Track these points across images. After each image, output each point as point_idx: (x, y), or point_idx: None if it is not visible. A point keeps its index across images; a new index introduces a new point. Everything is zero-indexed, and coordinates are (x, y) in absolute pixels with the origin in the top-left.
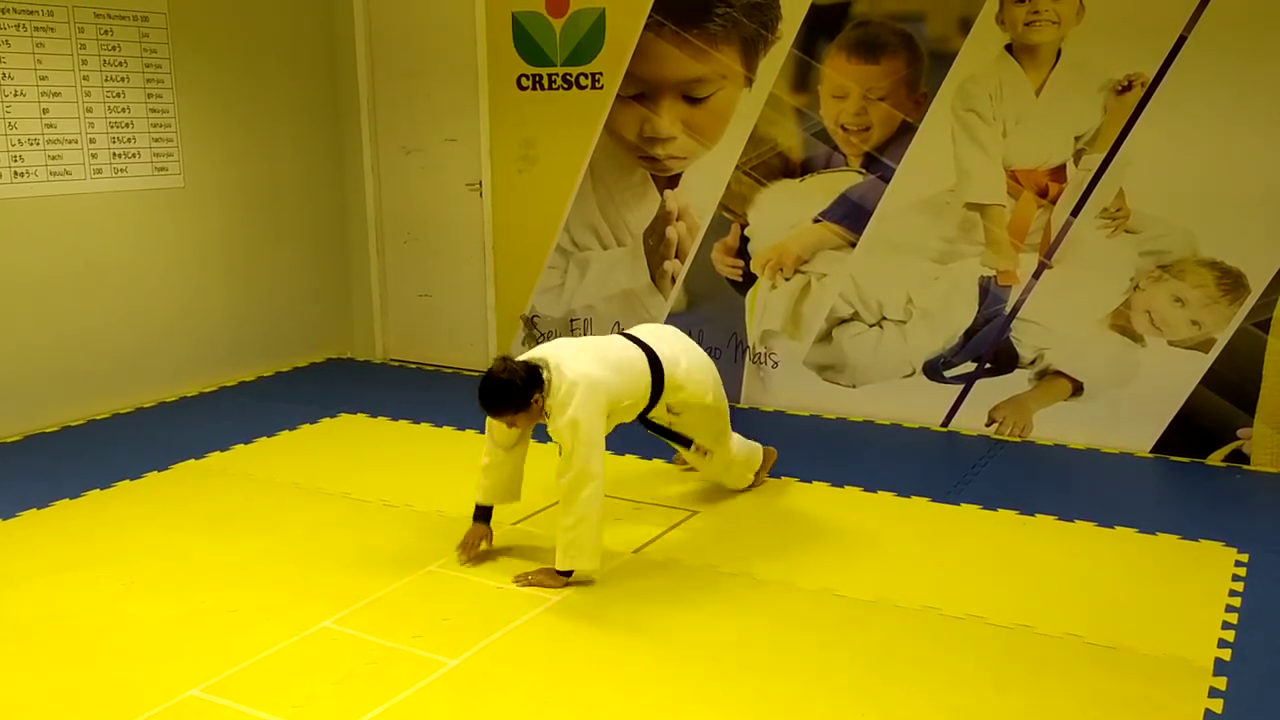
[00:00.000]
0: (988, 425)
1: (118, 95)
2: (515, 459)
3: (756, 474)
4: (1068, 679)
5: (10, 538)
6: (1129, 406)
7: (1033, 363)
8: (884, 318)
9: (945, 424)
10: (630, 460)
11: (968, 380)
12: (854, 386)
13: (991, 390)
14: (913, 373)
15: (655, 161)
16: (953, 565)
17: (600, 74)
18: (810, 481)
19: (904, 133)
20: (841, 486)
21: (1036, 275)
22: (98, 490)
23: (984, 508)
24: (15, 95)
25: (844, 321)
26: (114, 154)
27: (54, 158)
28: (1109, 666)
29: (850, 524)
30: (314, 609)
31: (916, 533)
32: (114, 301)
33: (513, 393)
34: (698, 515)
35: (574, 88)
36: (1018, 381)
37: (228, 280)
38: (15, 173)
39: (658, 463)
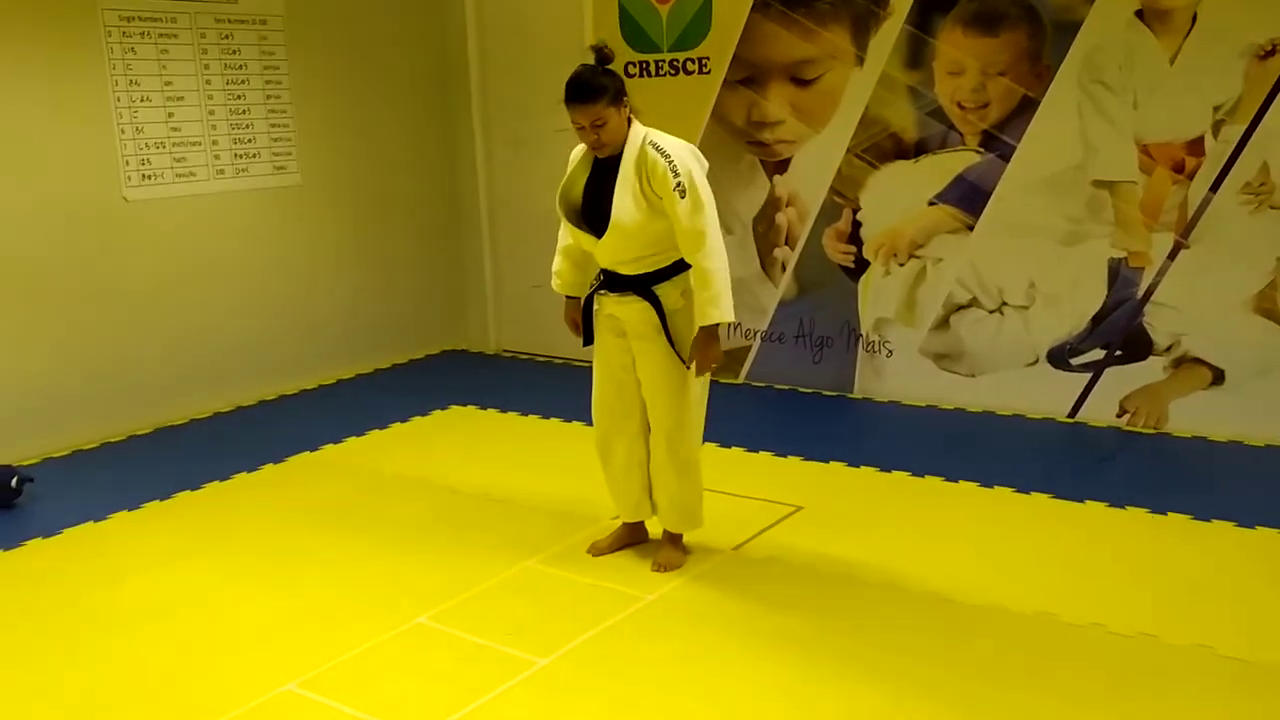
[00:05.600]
0: (1119, 416)
1: (238, 97)
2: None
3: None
4: (1196, 695)
5: (130, 529)
6: (1275, 396)
7: (1168, 349)
8: (1004, 303)
9: (1072, 415)
10: (736, 453)
11: (1096, 369)
12: (973, 376)
13: (1123, 379)
14: (1036, 361)
15: (764, 146)
16: (1073, 567)
17: (707, 59)
18: (923, 475)
19: (1025, 108)
20: (955, 481)
21: (1172, 256)
22: (217, 482)
23: (1111, 505)
24: (142, 100)
25: (962, 308)
26: (235, 154)
27: (179, 160)
28: (1244, 681)
29: (962, 522)
30: (411, 604)
31: (1034, 532)
32: (235, 298)
33: (607, 79)
34: (801, 511)
35: (681, 73)
36: (1151, 370)
37: (344, 275)
38: (144, 175)
39: (764, 454)
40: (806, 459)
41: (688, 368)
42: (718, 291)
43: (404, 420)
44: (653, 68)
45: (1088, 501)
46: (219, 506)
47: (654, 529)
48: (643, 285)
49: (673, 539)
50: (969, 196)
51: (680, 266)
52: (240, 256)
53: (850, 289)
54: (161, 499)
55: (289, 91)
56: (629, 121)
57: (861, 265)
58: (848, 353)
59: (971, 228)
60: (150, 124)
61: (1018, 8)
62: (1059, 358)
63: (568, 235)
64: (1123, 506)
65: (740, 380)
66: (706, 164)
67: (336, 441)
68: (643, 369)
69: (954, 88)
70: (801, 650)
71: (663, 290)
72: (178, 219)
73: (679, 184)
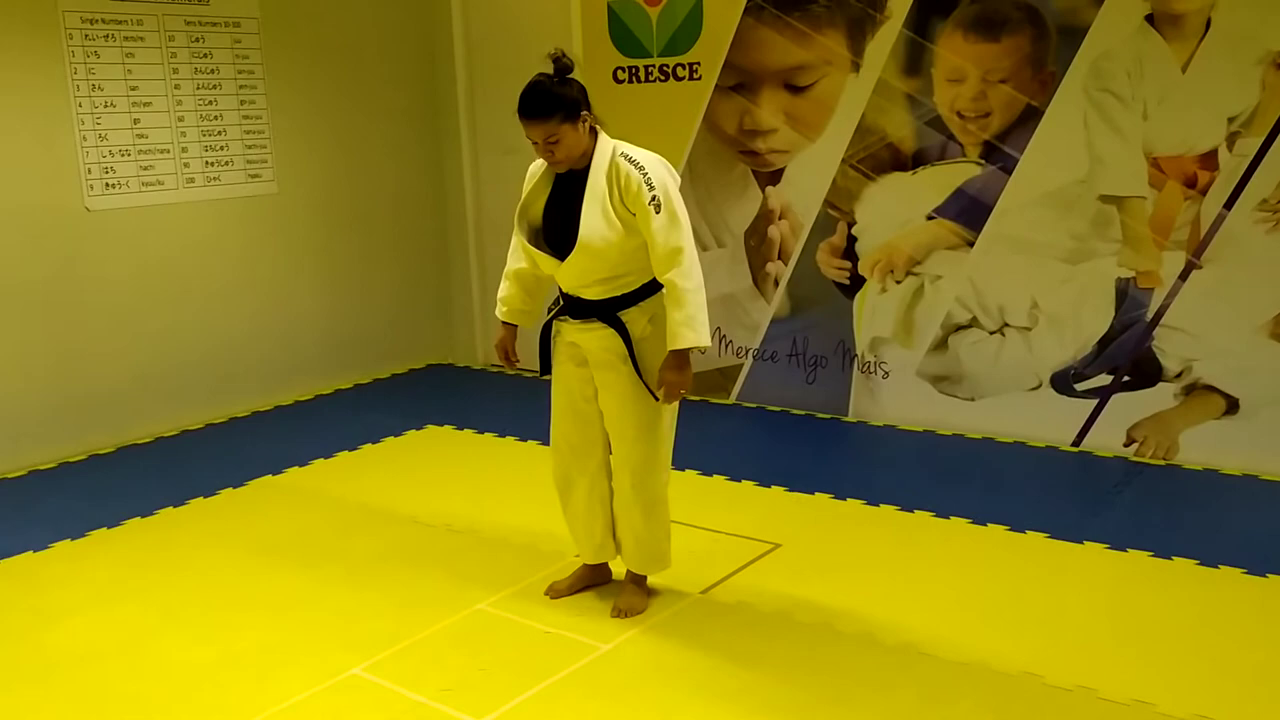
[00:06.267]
0: (1126, 445)
1: (210, 103)
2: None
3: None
4: None
5: (70, 562)
6: None
7: (1179, 375)
8: (1006, 324)
9: (1076, 443)
10: (717, 481)
11: (1103, 394)
12: (972, 400)
13: (1131, 406)
14: (1039, 385)
15: (756, 156)
16: (1064, 620)
17: (698, 64)
18: (912, 510)
19: (1028, 118)
20: (947, 517)
21: (1183, 276)
22: (170, 508)
23: (1111, 547)
24: (106, 106)
25: (961, 328)
26: (206, 162)
27: (145, 168)
28: None
29: (950, 564)
30: (348, 654)
31: (1026, 577)
32: (208, 310)
33: (564, 91)
34: (779, 550)
35: (671, 79)
36: (1161, 396)
37: (324, 287)
38: (107, 184)
39: (747, 484)
40: (791, 489)
41: (656, 399)
42: (692, 313)
43: (376, 441)
44: (642, 73)
45: (1086, 543)
46: (167, 537)
47: (618, 569)
48: (607, 311)
49: (636, 581)
50: (969, 211)
51: (648, 291)
52: (211, 268)
53: (845, 306)
54: (110, 526)
55: (264, 97)
56: (593, 133)
57: (857, 282)
58: (842, 373)
59: (972, 244)
60: (114, 130)
61: (1021, 11)
62: (1063, 382)
63: (520, 259)
64: (1124, 549)
65: (731, 400)
66: (678, 178)
67: (302, 464)
68: (606, 401)
69: (954, 96)
70: (765, 711)
71: (629, 316)
72: (144, 229)
73: (654, 198)
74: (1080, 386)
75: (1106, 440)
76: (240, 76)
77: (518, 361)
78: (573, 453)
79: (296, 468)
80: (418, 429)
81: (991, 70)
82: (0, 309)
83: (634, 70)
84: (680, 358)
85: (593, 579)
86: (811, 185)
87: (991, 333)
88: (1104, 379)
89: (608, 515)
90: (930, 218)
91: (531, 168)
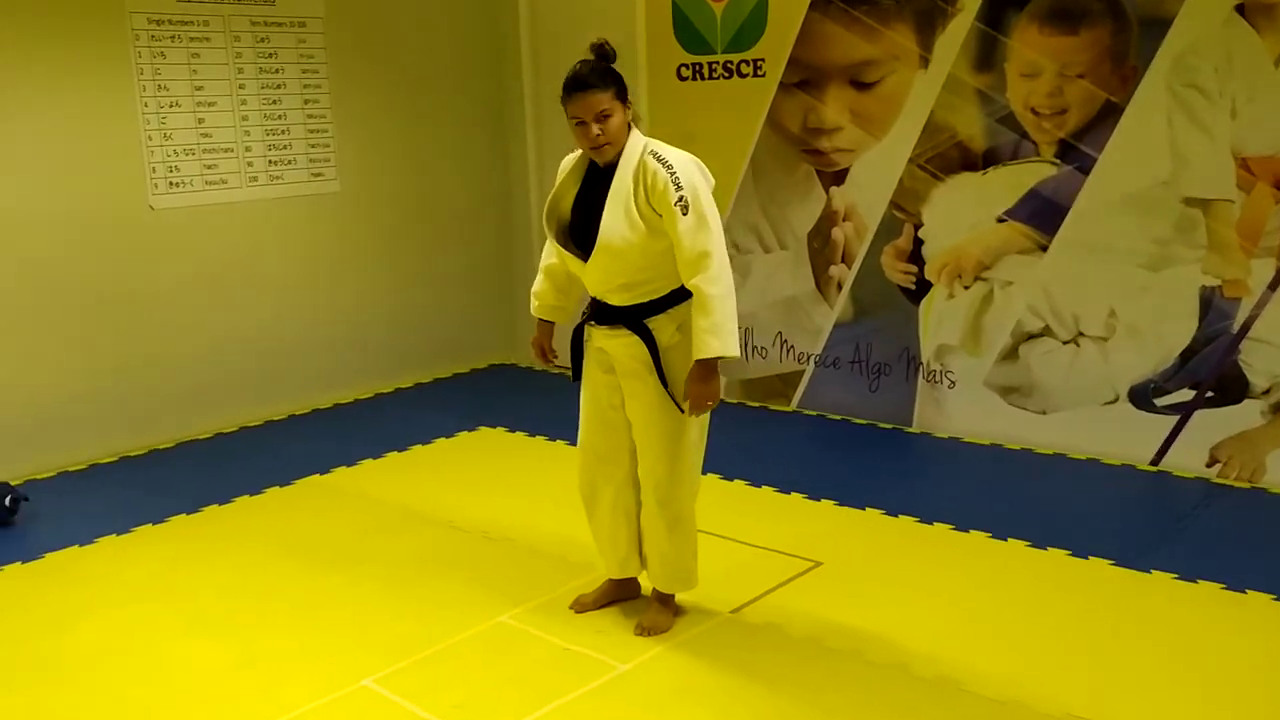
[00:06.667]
0: (1209, 466)
1: (274, 103)
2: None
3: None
4: None
5: (111, 557)
6: None
7: (1266, 392)
8: (1081, 333)
9: (1155, 462)
10: (765, 493)
11: (1184, 411)
12: (1043, 413)
13: (1215, 424)
14: (1115, 399)
15: (820, 155)
16: (1118, 659)
17: (762, 60)
18: (967, 530)
19: (1107, 115)
20: (1004, 539)
21: (1273, 286)
22: (216, 505)
23: (1180, 578)
24: (171, 106)
25: (1033, 337)
26: (270, 161)
27: (209, 167)
28: None
29: (1000, 591)
30: (364, 662)
31: (1082, 608)
32: (270, 308)
33: (614, 72)
34: (819, 569)
35: (735, 76)
36: (1248, 414)
37: (388, 286)
38: (171, 183)
39: (795, 497)
40: (841, 503)
41: (681, 410)
42: (719, 320)
43: (426, 442)
44: (705, 70)
45: (1154, 572)
46: (208, 535)
47: (647, 584)
48: (633, 318)
49: (662, 599)
50: (1043, 213)
51: (676, 298)
52: (274, 266)
53: (910, 312)
54: (155, 522)
55: (328, 96)
56: (628, 128)
57: (923, 287)
58: (907, 382)
59: (1045, 248)
60: (179, 130)
61: (1101, 2)
62: (1142, 397)
63: (551, 254)
64: (1194, 580)
65: (792, 408)
66: (713, 180)
67: (350, 464)
68: (632, 410)
69: (1028, 92)
70: None
71: (656, 324)
72: (207, 228)
73: (681, 198)
74: (1160, 402)
75: (1187, 460)
76: (304, 76)
77: (555, 359)
78: (599, 462)
79: (344, 467)
80: (470, 430)
81: (1068, 64)
82: (65, 305)
83: (697, 67)
84: (706, 368)
85: (619, 594)
86: (877, 186)
87: (1065, 342)
88: (1186, 394)
89: (633, 528)
90: (1001, 220)
91: (564, 161)
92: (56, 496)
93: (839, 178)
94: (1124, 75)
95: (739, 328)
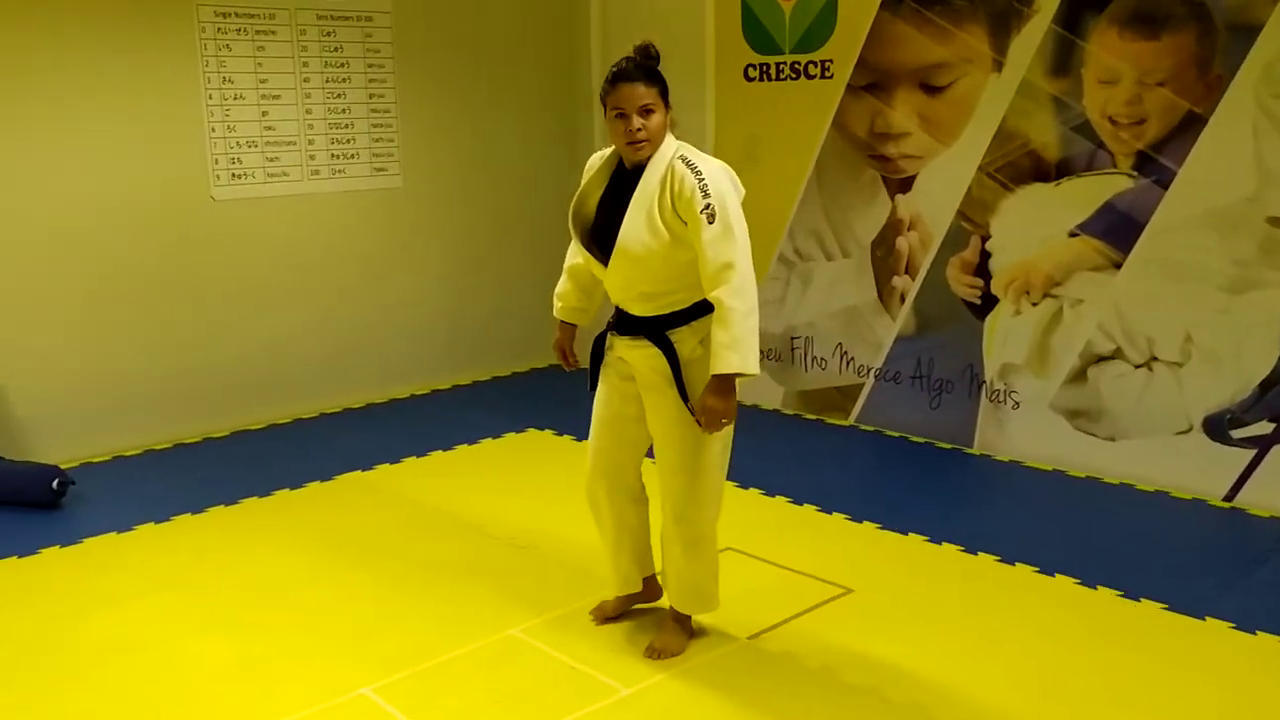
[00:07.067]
0: None
1: (338, 96)
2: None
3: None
4: None
5: (146, 546)
6: None
7: None
8: (1154, 357)
9: (1229, 498)
10: (806, 511)
11: (1263, 445)
12: (1112, 440)
13: None
14: (1189, 429)
15: (887, 161)
16: (1158, 712)
17: (830, 61)
18: (1013, 563)
19: (1189, 126)
20: (1051, 574)
21: None
22: (256, 498)
23: (1237, 627)
24: (235, 99)
25: (1103, 359)
26: (332, 155)
27: (271, 159)
28: None
29: (1038, 632)
30: (365, 669)
31: (1125, 656)
32: (329, 302)
33: (660, 75)
34: (849, 596)
35: (802, 77)
36: None
37: (448, 282)
38: (234, 175)
39: (837, 518)
40: (885, 527)
41: (701, 425)
42: (739, 335)
43: (472, 442)
44: (773, 71)
45: (1209, 619)
46: (242, 526)
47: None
48: (655, 329)
49: (678, 619)
50: (1118, 228)
51: (699, 310)
52: (334, 260)
53: (975, 328)
54: (194, 512)
55: (393, 91)
56: (666, 130)
57: (989, 302)
58: (969, 400)
59: (1119, 265)
60: (242, 123)
61: (1186, 6)
62: (1217, 428)
63: (576, 254)
64: (1252, 631)
65: (849, 422)
66: (743, 190)
67: (394, 461)
68: (652, 424)
69: (1105, 99)
70: None
71: (678, 336)
72: (268, 220)
73: (708, 206)
74: (1237, 434)
75: (1264, 497)
76: (370, 70)
77: (575, 363)
78: (603, 474)
79: (387, 464)
80: (518, 432)
81: (1149, 71)
82: (126, 293)
83: (765, 68)
84: (723, 383)
85: (640, 598)
86: (944, 194)
87: (1137, 366)
88: (1265, 427)
89: (636, 544)
90: (1073, 234)
91: (591, 160)
92: (107, 481)
93: (905, 185)
94: (1208, 84)
95: (803, 337)
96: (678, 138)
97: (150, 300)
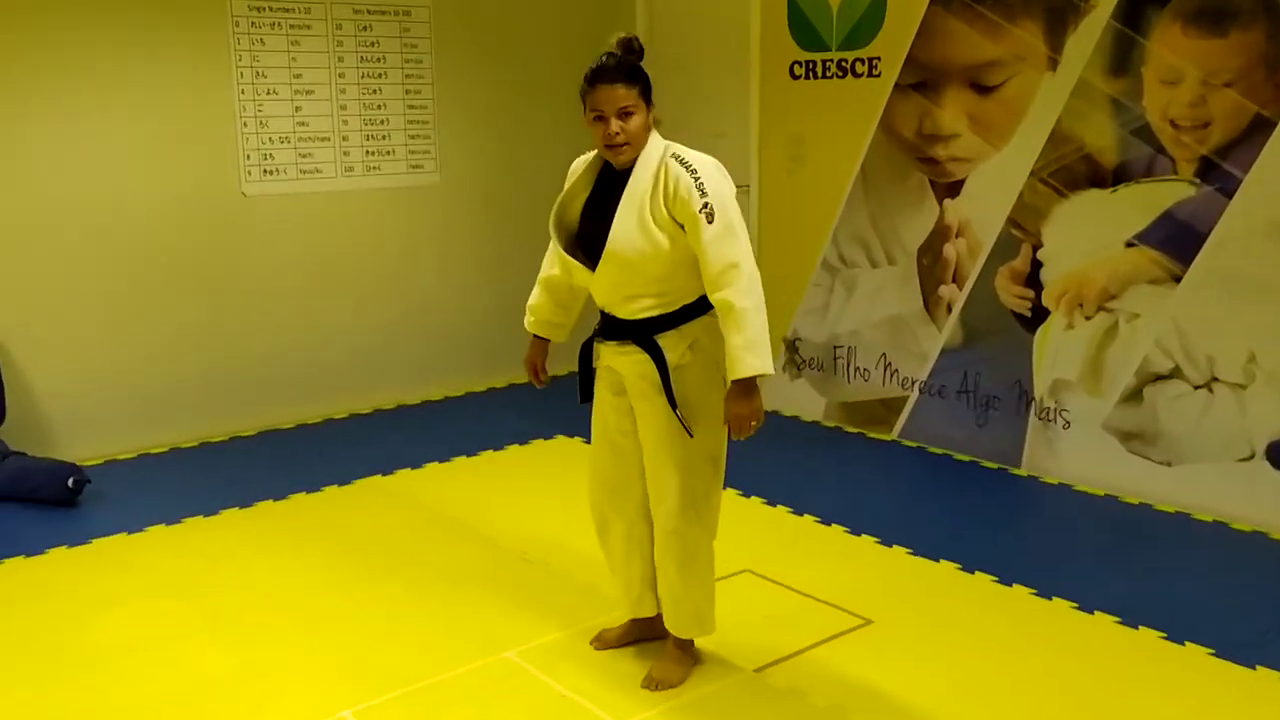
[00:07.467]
0: None
1: (374, 92)
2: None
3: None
4: None
5: (155, 547)
6: None
7: None
8: (1215, 378)
9: None
10: (834, 533)
11: None
12: (1168, 465)
13: None
14: (1251, 456)
15: (935, 164)
16: None
17: (878, 59)
18: (1049, 597)
19: (1257, 130)
20: (1090, 612)
21: None
22: (270, 501)
23: None
24: (268, 93)
25: (1160, 378)
26: (367, 151)
27: (304, 155)
28: None
29: (1064, 677)
30: (349, 690)
31: (1163, 706)
32: (363, 300)
33: (642, 72)
34: (868, 628)
35: (849, 75)
36: None
37: (485, 281)
38: (265, 170)
39: (866, 540)
40: (915, 553)
41: (690, 435)
42: (753, 336)
43: (499, 448)
44: (819, 68)
45: (1259, 669)
46: (253, 531)
47: None
48: (642, 333)
49: (679, 646)
50: (1178, 239)
51: (689, 314)
52: (368, 257)
53: (1025, 341)
54: (207, 515)
55: (430, 86)
56: (647, 130)
57: (1040, 314)
58: (1017, 418)
59: (1179, 278)
60: (275, 118)
61: (1255, 1)
62: None
63: (553, 264)
64: None
65: (892, 436)
66: (734, 186)
67: (415, 466)
68: (642, 434)
69: (1167, 101)
70: None
71: (666, 341)
72: (299, 216)
73: (706, 205)
74: None
75: None
76: (407, 66)
77: (545, 380)
78: (609, 491)
79: (409, 469)
80: (546, 438)
81: (1215, 72)
82: (156, 291)
83: (811, 65)
84: (745, 387)
85: (643, 633)
86: (994, 200)
87: (1197, 387)
88: None
89: (647, 564)
90: (1130, 244)
91: (574, 163)
92: (128, 480)
93: (953, 189)
94: (1278, 85)
95: (846, 346)
96: (665, 137)
97: (180, 297)
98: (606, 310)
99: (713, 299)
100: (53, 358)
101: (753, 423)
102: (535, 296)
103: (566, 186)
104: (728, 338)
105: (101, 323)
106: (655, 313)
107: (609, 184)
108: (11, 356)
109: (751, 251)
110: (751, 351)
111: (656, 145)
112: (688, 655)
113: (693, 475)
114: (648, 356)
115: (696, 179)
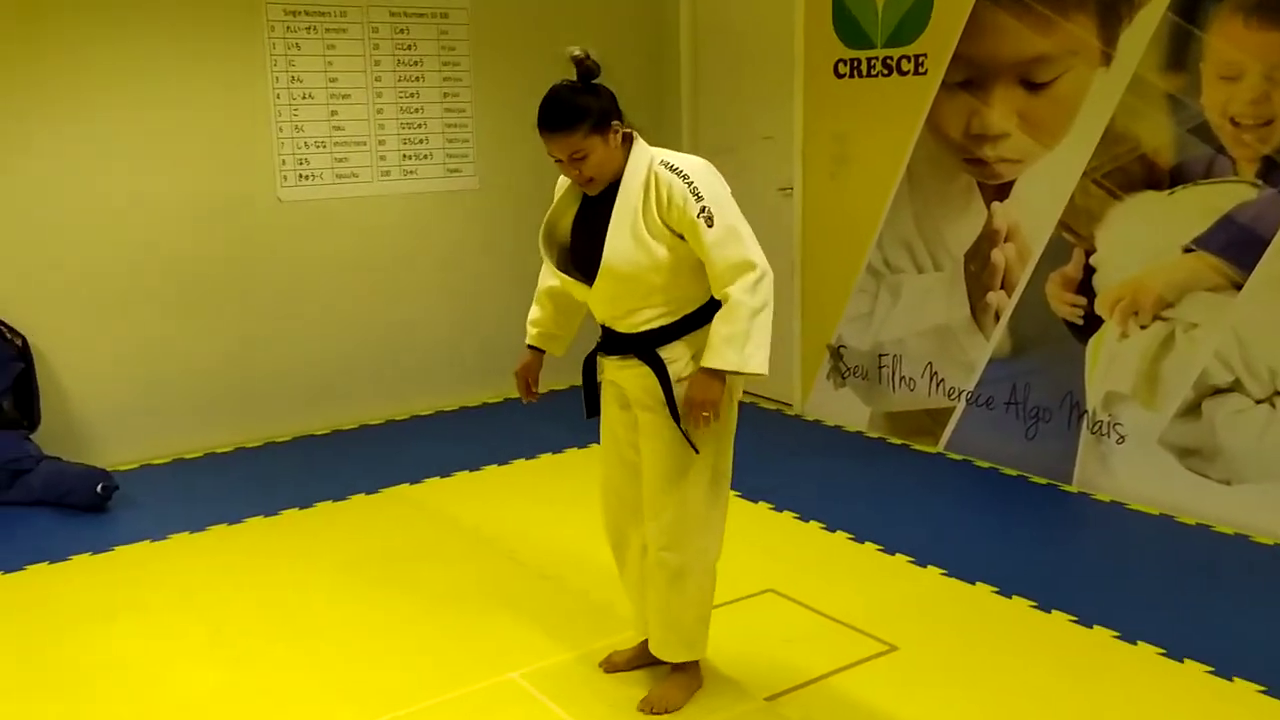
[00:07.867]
0: None
1: (411, 95)
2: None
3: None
4: None
5: (175, 556)
6: None
7: None
8: (1278, 392)
9: None
10: (866, 551)
11: None
12: (1227, 483)
13: None
14: None
15: (983, 165)
16: None
17: (924, 56)
18: (1090, 626)
19: None
20: (1133, 642)
21: None
22: (295, 509)
23: None
24: (304, 98)
25: (1220, 391)
26: (404, 155)
27: (340, 160)
28: None
29: (1101, 712)
30: (347, 711)
31: None
32: (401, 305)
33: (588, 101)
34: (892, 655)
35: (894, 73)
36: None
37: (526, 286)
38: (301, 175)
39: (899, 559)
40: (950, 574)
41: (696, 451)
42: (742, 330)
43: (531, 457)
44: (864, 66)
45: None
46: (273, 540)
47: None
48: (644, 346)
49: (680, 667)
50: (1239, 244)
51: (692, 324)
52: (405, 262)
53: (1076, 351)
54: (231, 523)
55: (469, 90)
56: (627, 142)
57: (1092, 323)
58: (1068, 431)
59: (1239, 286)
60: (311, 122)
61: None
62: None
63: (552, 275)
64: None
65: (938, 449)
66: (728, 185)
67: (444, 475)
68: (644, 443)
69: (1228, 98)
70: None
71: (670, 353)
72: (336, 221)
73: (704, 209)
74: None
75: None
76: (445, 69)
77: (536, 395)
78: (622, 506)
79: (437, 478)
80: (580, 447)
81: (1278, 66)
82: (191, 294)
83: (855, 63)
84: (711, 376)
85: (654, 657)
86: (1045, 203)
87: (1259, 401)
88: None
89: None
90: (1188, 250)
91: (561, 177)
92: (160, 485)
93: (1002, 191)
94: None
95: (891, 355)
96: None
97: (215, 302)
98: (606, 324)
99: (718, 295)
100: (91, 363)
101: (705, 414)
102: (536, 310)
103: (554, 201)
104: (714, 326)
105: (137, 328)
106: (656, 325)
107: (598, 197)
108: (47, 361)
109: (761, 250)
110: (731, 345)
111: (641, 156)
112: (689, 677)
113: (692, 492)
114: (650, 369)
115: (690, 184)
